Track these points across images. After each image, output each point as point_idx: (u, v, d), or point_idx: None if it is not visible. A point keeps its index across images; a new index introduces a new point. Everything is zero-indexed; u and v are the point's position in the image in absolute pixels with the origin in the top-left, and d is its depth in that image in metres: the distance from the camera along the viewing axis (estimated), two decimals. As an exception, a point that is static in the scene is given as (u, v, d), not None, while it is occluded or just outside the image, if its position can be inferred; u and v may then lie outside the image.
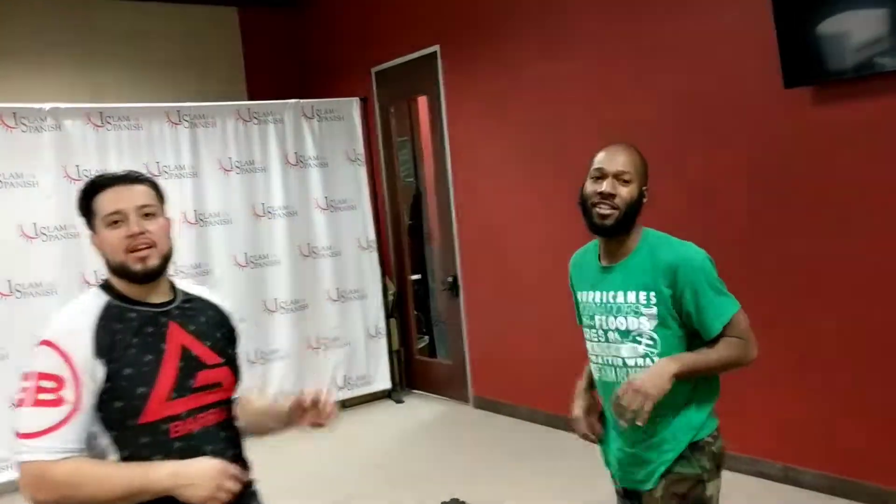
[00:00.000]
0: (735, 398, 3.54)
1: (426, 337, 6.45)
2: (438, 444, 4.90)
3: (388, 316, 5.90)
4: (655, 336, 1.98)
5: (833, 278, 3.37)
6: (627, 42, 4.08)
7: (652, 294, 1.97)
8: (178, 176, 5.01)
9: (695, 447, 1.97)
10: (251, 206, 5.28)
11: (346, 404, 5.75)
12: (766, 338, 3.60)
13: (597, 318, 2.08)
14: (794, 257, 3.48)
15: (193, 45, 6.36)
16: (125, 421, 1.71)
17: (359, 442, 5.08)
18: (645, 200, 2.02)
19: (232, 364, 1.92)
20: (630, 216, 1.98)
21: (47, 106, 4.60)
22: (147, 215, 1.80)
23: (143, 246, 1.77)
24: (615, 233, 2.02)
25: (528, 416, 4.99)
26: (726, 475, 2.13)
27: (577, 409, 2.17)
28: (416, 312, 6.28)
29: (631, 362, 2.01)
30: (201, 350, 1.85)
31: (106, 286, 1.83)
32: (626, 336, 2.02)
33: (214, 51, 6.49)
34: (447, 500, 3.85)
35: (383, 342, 5.85)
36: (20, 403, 1.68)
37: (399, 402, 5.87)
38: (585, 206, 2.04)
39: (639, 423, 1.89)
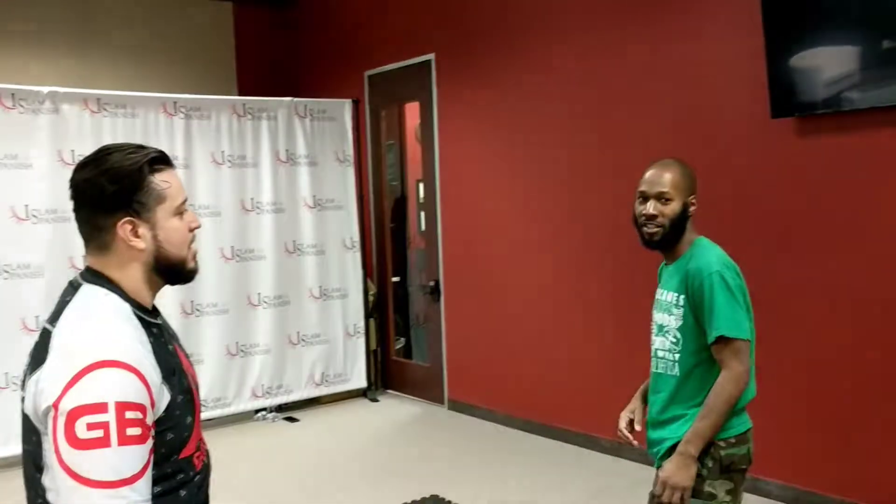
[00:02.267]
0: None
1: (402, 339, 6.55)
2: (415, 443, 5.00)
3: (367, 316, 5.99)
4: (678, 335, 2.19)
5: (800, 295, 3.56)
6: (622, 60, 4.24)
7: (681, 297, 2.18)
8: (171, 166, 5.05)
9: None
10: (240, 201, 5.34)
11: (321, 401, 5.83)
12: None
13: (654, 311, 2.34)
14: (766, 276, 3.66)
15: (186, 38, 6.42)
16: (171, 455, 1.43)
17: (336, 438, 5.17)
18: (693, 209, 2.20)
19: None
20: (676, 229, 2.18)
21: (45, 89, 4.62)
22: None
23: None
24: (663, 247, 2.24)
25: (503, 421, 5.12)
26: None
27: (624, 413, 2.41)
28: (394, 315, 6.38)
29: (661, 354, 2.26)
30: (191, 370, 1.59)
31: (112, 287, 1.45)
32: (661, 330, 2.27)
33: (207, 45, 6.54)
34: (427, 496, 3.96)
35: (361, 342, 5.93)
36: (93, 444, 1.28)
37: (374, 400, 5.96)
38: (636, 224, 2.25)
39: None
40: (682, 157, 3.92)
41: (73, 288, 1.47)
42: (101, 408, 1.29)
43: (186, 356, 1.60)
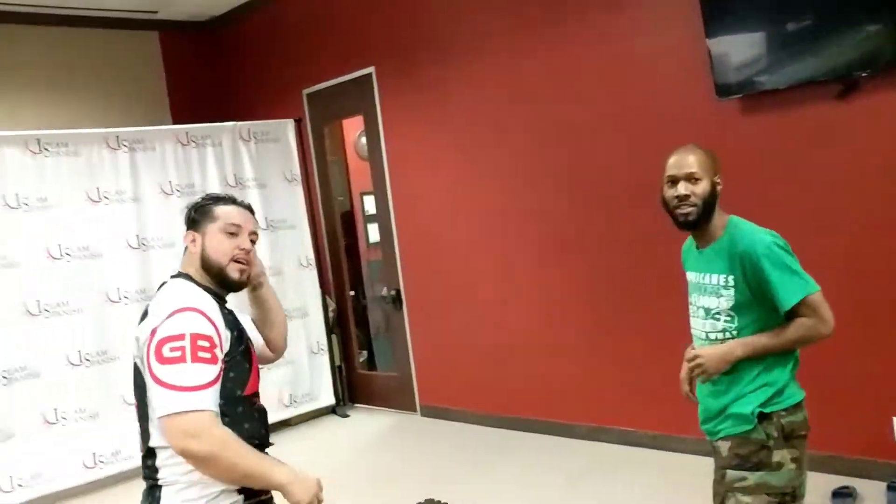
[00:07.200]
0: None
1: (364, 352, 6.56)
2: (396, 452, 5.03)
3: (329, 332, 5.99)
4: (732, 314, 2.23)
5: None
6: (564, 60, 4.38)
7: (730, 277, 2.22)
8: (119, 201, 4.97)
9: (763, 417, 2.18)
10: (193, 229, 5.27)
11: (291, 422, 5.80)
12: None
13: (693, 295, 2.37)
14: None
15: (115, 71, 6.30)
16: (234, 391, 1.94)
17: (315, 456, 5.13)
18: (719, 188, 2.27)
19: None
20: (708, 208, 2.25)
21: (-17, 134, 4.50)
22: (252, 241, 2.10)
23: (244, 261, 2.06)
24: (698, 226, 2.28)
25: (479, 421, 5.19)
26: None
27: (682, 372, 2.39)
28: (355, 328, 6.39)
29: (712, 336, 2.29)
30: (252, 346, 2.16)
31: (190, 280, 2.03)
32: (708, 313, 2.29)
33: (136, 75, 6.43)
34: (421, 501, 4.00)
35: (326, 359, 5.93)
36: (175, 360, 1.80)
37: (344, 416, 5.96)
38: (668, 209, 2.31)
39: (690, 394, 2.36)
40: (633, 146, 4.12)
41: (163, 283, 2.04)
42: (180, 337, 1.82)
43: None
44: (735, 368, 2.23)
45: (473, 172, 4.99)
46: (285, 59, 6.20)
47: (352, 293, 6.44)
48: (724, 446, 2.26)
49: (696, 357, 2.25)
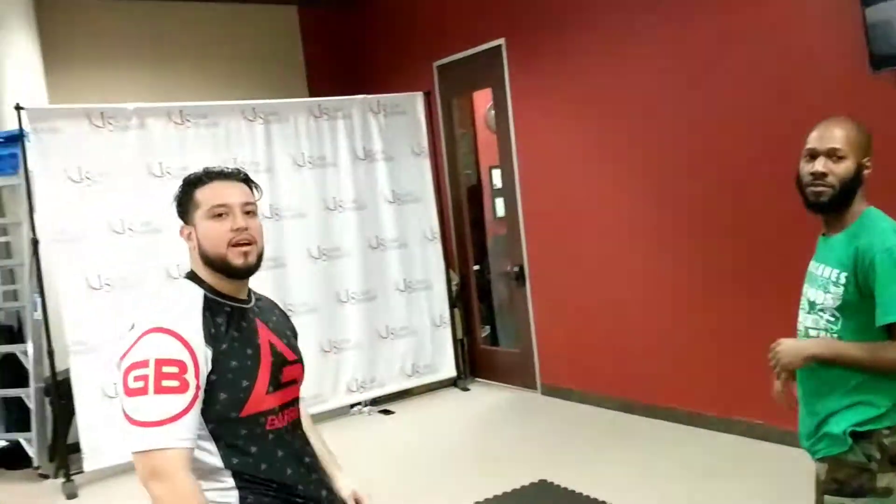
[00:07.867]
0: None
1: (487, 326, 6.55)
2: (514, 429, 5.00)
3: (452, 306, 6.02)
4: (837, 314, 1.97)
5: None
6: (705, 29, 4.14)
7: (843, 274, 1.95)
8: (254, 171, 5.07)
9: (861, 437, 1.93)
10: (323, 201, 5.41)
11: (413, 392, 5.89)
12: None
13: (805, 285, 2.12)
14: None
15: (255, 44, 6.53)
16: (227, 413, 1.71)
17: (435, 428, 5.21)
18: (866, 173, 1.97)
19: (302, 361, 1.94)
20: (846, 192, 1.95)
21: (132, 106, 4.76)
22: (248, 213, 1.81)
23: (245, 242, 1.78)
24: (830, 210, 2.00)
25: (598, 403, 5.07)
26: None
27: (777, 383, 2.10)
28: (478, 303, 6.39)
29: (812, 333, 2.04)
30: (282, 346, 1.86)
31: (196, 279, 1.81)
32: (812, 307, 2.05)
33: (275, 48, 6.65)
34: (535, 481, 3.96)
35: (448, 331, 5.97)
36: (137, 392, 1.62)
37: (465, 389, 5.99)
38: (800, 185, 2.02)
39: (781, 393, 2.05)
40: (778, 124, 3.83)
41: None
42: (143, 364, 1.63)
43: (280, 335, 1.89)
44: (820, 380, 2.00)
45: (602, 150, 4.83)
46: (417, 31, 6.21)
47: (476, 267, 6.43)
48: (821, 468, 2.02)
49: (773, 349, 1.98)
